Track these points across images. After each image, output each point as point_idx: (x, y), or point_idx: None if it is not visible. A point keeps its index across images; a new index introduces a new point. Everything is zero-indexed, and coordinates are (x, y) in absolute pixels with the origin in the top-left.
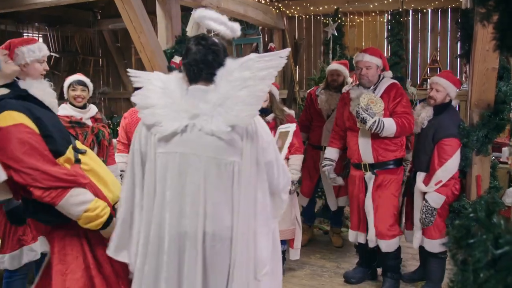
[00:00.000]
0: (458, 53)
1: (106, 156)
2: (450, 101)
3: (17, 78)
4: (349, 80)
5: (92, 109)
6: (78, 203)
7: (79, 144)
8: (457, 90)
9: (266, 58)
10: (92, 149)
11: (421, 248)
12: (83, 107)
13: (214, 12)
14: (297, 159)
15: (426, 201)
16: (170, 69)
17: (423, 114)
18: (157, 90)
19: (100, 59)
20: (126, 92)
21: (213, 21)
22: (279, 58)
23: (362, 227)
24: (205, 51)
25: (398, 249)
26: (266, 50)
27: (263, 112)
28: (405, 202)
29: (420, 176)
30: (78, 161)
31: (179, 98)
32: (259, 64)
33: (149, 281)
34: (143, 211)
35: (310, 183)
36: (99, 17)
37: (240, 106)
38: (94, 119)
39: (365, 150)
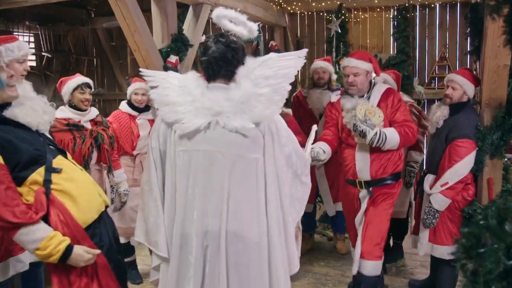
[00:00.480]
0: (468, 49)
1: (109, 160)
2: (469, 100)
3: None
4: (335, 77)
5: (93, 112)
6: (28, 241)
7: (59, 160)
8: (475, 88)
9: (287, 57)
10: (91, 153)
11: (432, 256)
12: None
13: (233, 12)
14: None
15: (430, 202)
16: (165, 68)
17: (438, 113)
18: (175, 88)
19: (94, 59)
20: (122, 93)
21: (230, 20)
22: (298, 58)
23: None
24: (224, 49)
25: (379, 279)
26: (267, 48)
27: None
28: (413, 205)
29: (429, 178)
30: (48, 182)
31: (200, 95)
32: (279, 63)
33: (172, 280)
34: (165, 209)
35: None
36: (93, 15)
37: (264, 103)
38: (94, 122)
39: (362, 167)
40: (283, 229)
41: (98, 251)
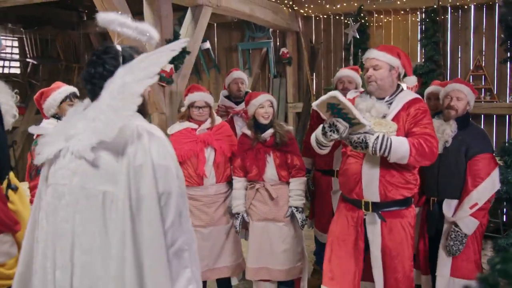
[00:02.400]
0: (508, 56)
1: None
2: (468, 113)
3: None
4: (362, 89)
5: None
6: (1, 252)
7: (12, 178)
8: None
9: (153, 56)
10: None
11: None
12: None
13: (120, 16)
14: (300, 183)
15: (457, 226)
16: (159, 78)
17: (448, 130)
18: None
19: None
20: None
21: (119, 25)
22: (170, 51)
23: (358, 286)
24: (95, 65)
25: None
26: (277, 56)
27: (261, 129)
28: (418, 242)
29: (451, 205)
30: (6, 198)
31: (64, 121)
32: (143, 64)
33: None
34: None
35: (325, 215)
36: (85, 18)
37: (110, 116)
38: None
39: (369, 183)
40: None
41: None
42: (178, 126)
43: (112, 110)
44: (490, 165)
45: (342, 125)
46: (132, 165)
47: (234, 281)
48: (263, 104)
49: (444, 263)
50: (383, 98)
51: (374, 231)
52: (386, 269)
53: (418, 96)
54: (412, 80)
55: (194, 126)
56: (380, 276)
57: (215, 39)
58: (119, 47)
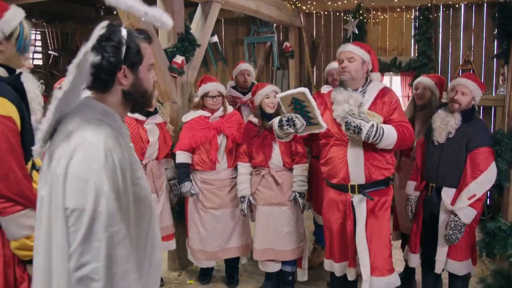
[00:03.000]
0: (495, 52)
1: None
2: (473, 106)
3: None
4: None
5: None
6: (25, 226)
7: (37, 160)
8: (482, 94)
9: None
10: None
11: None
12: None
13: None
14: (303, 169)
15: (456, 215)
16: (171, 69)
17: (452, 122)
18: None
19: None
20: None
21: (127, 7)
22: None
23: (352, 261)
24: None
25: None
26: (280, 49)
27: (267, 117)
28: (412, 222)
29: (448, 193)
30: (30, 177)
31: None
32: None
33: None
34: None
35: (321, 199)
36: (102, 13)
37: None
38: None
39: (355, 167)
40: None
41: None
42: (192, 115)
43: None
44: (489, 158)
45: (300, 121)
46: (54, 172)
47: (243, 260)
48: (269, 95)
49: (441, 248)
50: (357, 90)
51: (361, 210)
52: (371, 244)
53: (386, 85)
54: (377, 76)
55: (208, 114)
56: (365, 249)
57: (223, 33)
58: (124, 34)
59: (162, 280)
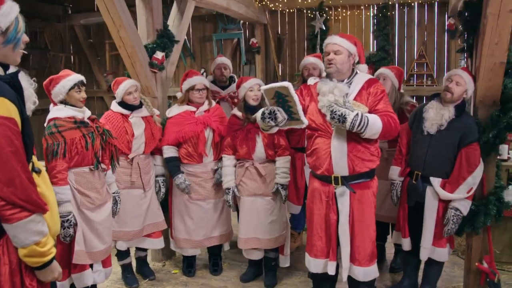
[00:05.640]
0: (445, 47)
1: (116, 156)
2: (464, 101)
3: None
4: (324, 75)
5: (87, 110)
6: (34, 231)
7: (35, 162)
8: (473, 89)
9: None
10: (100, 150)
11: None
12: None
13: None
14: (286, 161)
15: (457, 209)
16: (152, 65)
17: (446, 115)
18: None
19: (72, 56)
20: (100, 91)
21: None
22: None
23: (333, 255)
24: None
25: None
26: (247, 45)
27: (251, 110)
28: (399, 209)
29: (438, 183)
30: None
31: None
32: None
33: None
34: None
35: (297, 188)
36: (69, 12)
37: None
38: (90, 119)
39: (338, 159)
40: None
41: (60, 271)
42: (177, 109)
43: None
44: (479, 152)
45: (281, 115)
46: None
47: (226, 247)
48: (252, 87)
49: (427, 240)
50: (343, 81)
51: (344, 202)
52: (353, 235)
53: (373, 76)
54: (364, 67)
55: (193, 109)
56: (347, 241)
57: (191, 30)
58: None
59: (153, 273)
